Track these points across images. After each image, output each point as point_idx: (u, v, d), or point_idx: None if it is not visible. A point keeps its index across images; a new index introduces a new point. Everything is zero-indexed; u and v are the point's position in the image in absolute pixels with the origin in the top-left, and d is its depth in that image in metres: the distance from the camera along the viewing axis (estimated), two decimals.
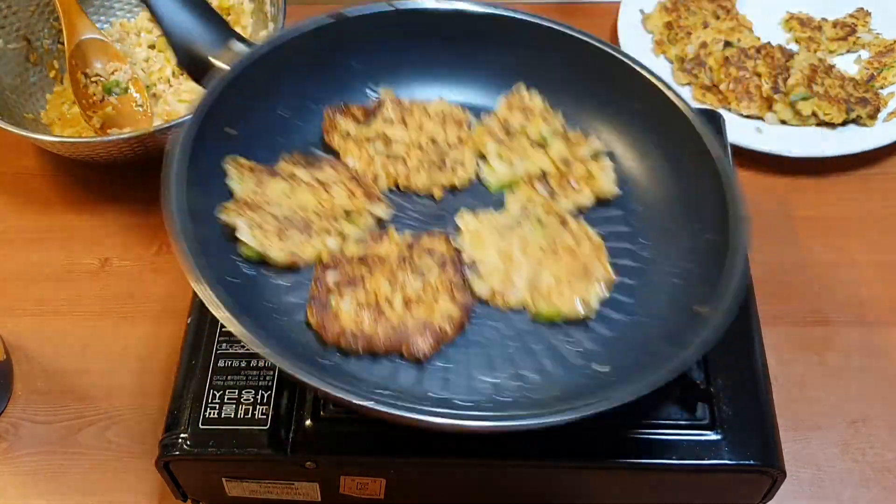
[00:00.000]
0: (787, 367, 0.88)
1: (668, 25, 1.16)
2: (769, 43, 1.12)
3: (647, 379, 0.61)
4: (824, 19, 1.17)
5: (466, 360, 0.70)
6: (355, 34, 0.82)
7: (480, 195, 0.81)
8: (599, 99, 0.84)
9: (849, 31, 1.15)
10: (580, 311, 0.71)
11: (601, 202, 0.80)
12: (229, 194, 0.75)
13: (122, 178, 1.04)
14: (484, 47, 0.84)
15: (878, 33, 1.16)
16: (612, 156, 0.82)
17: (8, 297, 0.95)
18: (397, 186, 0.80)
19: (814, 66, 1.07)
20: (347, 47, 0.82)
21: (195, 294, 0.80)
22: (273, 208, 0.73)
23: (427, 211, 0.79)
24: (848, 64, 1.13)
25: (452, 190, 0.80)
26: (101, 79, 1.06)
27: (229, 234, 0.72)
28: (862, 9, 1.18)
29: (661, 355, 0.64)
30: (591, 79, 0.83)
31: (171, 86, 1.09)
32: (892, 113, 1.06)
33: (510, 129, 0.82)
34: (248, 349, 0.76)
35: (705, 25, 1.15)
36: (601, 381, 0.68)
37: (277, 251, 0.71)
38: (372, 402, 0.59)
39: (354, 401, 0.59)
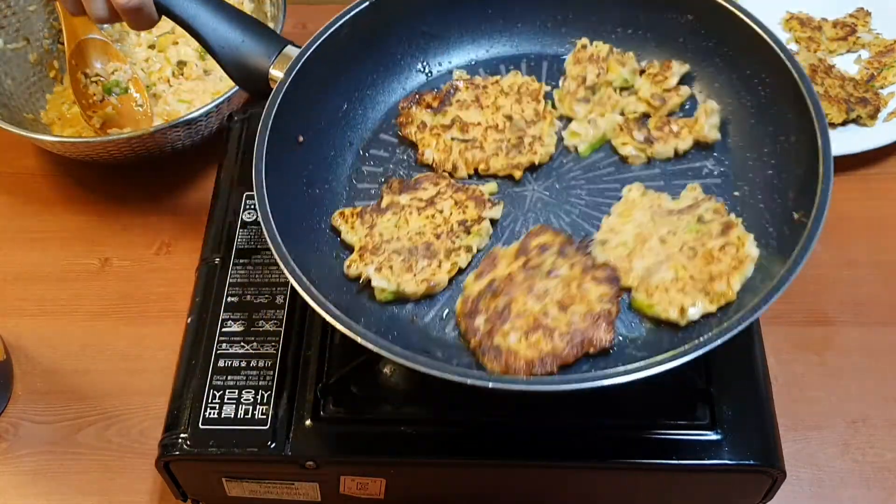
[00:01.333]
0: (787, 367, 0.88)
1: None
2: None
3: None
4: (824, 19, 1.17)
5: None
6: (393, 12, 0.81)
7: (559, 170, 0.79)
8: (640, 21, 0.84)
9: (849, 31, 1.15)
10: (673, 317, 0.68)
11: (699, 146, 0.78)
12: (319, 210, 0.76)
13: (122, 178, 1.04)
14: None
15: (878, 33, 1.16)
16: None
17: (8, 297, 0.96)
18: (476, 172, 0.79)
19: (814, 66, 1.07)
20: (389, 26, 0.82)
21: (195, 294, 0.80)
22: (392, 244, 0.73)
23: (511, 194, 0.78)
24: (848, 64, 1.13)
25: (532, 168, 0.79)
26: (101, 79, 1.06)
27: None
28: (862, 9, 1.18)
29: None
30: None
31: (170, 86, 1.09)
32: (892, 113, 1.06)
33: (590, 84, 0.81)
34: (247, 349, 0.76)
35: None
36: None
37: (413, 285, 0.70)
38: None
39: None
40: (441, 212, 0.75)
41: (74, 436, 0.86)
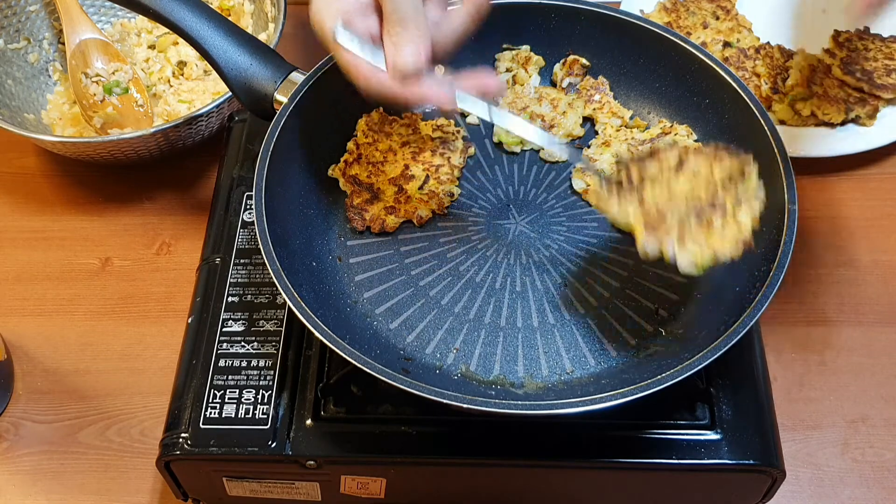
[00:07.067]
0: (787, 367, 0.88)
1: (668, 26, 1.16)
2: (768, 43, 1.13)
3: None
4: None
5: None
6: None
7: (542, 206, 0.81)
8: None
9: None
10: (691, 270, 0.67)
11: None
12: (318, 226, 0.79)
13: (122, 178, 1.04)
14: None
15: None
16: None
17: (8, 297, 0.96)
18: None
19: (813, 66, 1.08)
20: None
21: (195, 294, 0.81)
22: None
23: (495, 226, 0.81)
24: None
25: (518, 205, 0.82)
26: (102, 79, 1.06)
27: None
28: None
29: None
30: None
31: (171, 86, 1.10)
32: None
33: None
34: (248, 349, 0.76)
35: (705, 26, 1.15)
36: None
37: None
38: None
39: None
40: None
41: (75, 435, 0.86)
